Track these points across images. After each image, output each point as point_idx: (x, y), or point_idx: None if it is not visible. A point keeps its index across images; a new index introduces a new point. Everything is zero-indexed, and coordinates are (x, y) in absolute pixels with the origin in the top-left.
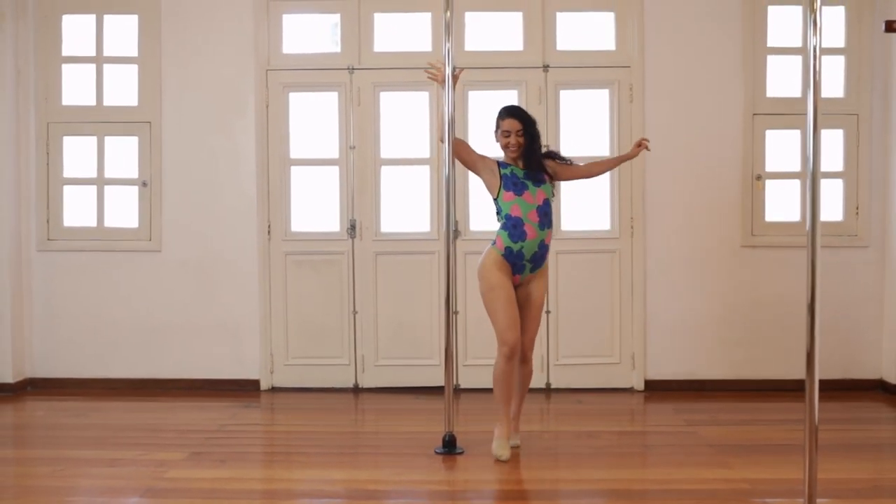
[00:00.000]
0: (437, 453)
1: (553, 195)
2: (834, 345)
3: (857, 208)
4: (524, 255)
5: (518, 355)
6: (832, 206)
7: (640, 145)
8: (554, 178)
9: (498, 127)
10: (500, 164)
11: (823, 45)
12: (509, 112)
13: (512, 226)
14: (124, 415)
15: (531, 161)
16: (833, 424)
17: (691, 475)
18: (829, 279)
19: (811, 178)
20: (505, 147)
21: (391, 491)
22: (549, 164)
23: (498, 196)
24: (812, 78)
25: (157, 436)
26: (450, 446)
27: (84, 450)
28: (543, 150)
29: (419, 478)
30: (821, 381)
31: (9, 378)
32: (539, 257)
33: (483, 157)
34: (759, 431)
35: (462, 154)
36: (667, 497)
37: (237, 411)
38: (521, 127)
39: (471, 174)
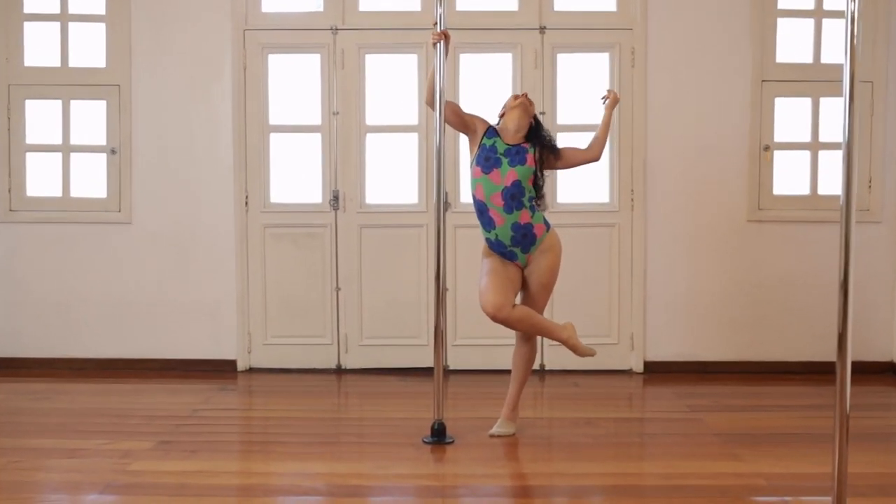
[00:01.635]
0: (425, 443)
1: (529, 180)
2: (850, 326)
3: (870, 181)
4: (504, 243)
5: (501, 321)
6: (840, 180)
7: (610, 98)
8: (548, 166)
9: (513, 98)
10: (488, 131)
11: (835, 8)
12: (527, 97)
13: (479, 212)
14: (90, 398)
15: (535, 134)
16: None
17: (699, 468)
18: (837, 256)
19: (846, 150)
20: (512, 108)
21: (375, 486)
22: (547, 156)
23: (470, 167)
24: (849, 44)
25: (123, 422)
26: (439, 435)
27: (44, 438)
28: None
29: (406, 471)
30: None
31: None
32: (522, 238)
33: (473, 117)
34: (769, 419)
35: (451, 116)
36: (673, 494)
37: (211, 395)
38: (534, 112)
39: (462, 141)
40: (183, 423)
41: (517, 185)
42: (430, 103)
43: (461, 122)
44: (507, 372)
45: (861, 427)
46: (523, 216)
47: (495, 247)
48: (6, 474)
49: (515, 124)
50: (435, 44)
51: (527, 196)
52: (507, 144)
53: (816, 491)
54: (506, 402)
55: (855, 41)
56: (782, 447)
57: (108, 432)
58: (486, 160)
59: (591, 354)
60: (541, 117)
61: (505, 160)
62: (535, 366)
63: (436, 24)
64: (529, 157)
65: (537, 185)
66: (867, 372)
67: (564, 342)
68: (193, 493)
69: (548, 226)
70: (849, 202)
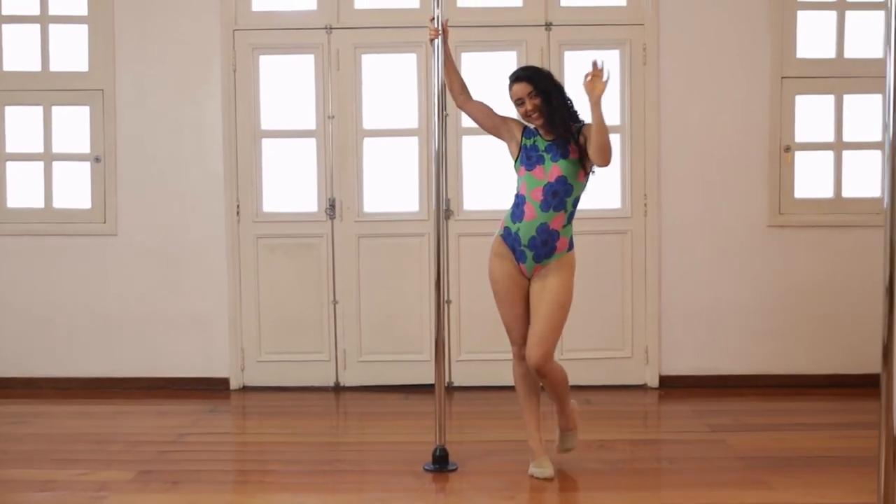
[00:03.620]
0: (426, 470)
1: (578, 175)
2: (868, 334)
3: None
4: (521, 240)
5: (543, 372)
6: (870, 181)
7: (592, 74)
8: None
9: (511, 100)
10: (525, 131)
11: (859, 0)
12: (513, 78)
13: (515, 204)
14: (71, 422)
15: (553, 123)
16: (864, 429)
17: (724, 498)
18: (864, 262)
19: (891, 148)
20: (526, 117)
21: None
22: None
23: (515, 169)
24: (892, 37)
25: (102, 449)
26: (441, 462)
27: (16, 468)
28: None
29: (405, 503)
30: (857, 376)
31: None
32: (541, 245)
33: (505, 120)
34: (797, 439)
35: (481, 119)
36: None
37: (200, 417)
38: (531, 88)
39: (465, 144)
40: (166, 449)
41: (562, 181)
42: (460, 101)
43: (493, 125)
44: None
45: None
46: (556, 221)
47: (509, 240)
48: None
49: (539, 122)
50: (432, 40)
51: (573, 197)
52: (548, 141)
53: None
54: (558, 414)
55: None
56: (815, 473)
57: (86, 461)
58: (529, 158)
59: (539, 476)
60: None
61: (547, 156)
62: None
63: (433, 19)
64: (572, 147)
65: (584, 189)
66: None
67: (569, 429)
68: None
69: (571, 245)
70: (893, 203)
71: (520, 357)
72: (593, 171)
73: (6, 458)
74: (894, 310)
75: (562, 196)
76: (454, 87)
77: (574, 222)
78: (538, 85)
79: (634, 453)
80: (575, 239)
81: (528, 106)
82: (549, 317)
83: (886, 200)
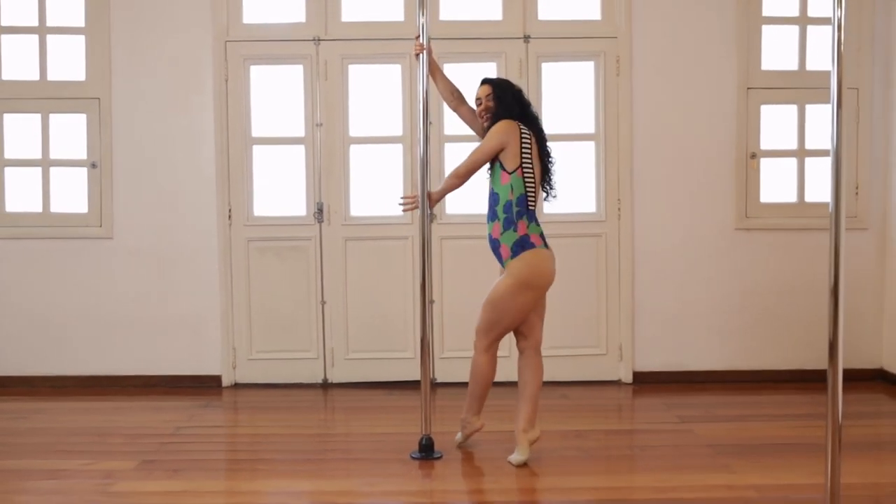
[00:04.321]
0: (412, 458)
1: (501, 179)
2: (840, 333)
3: (857, 188)
4: None
5: None
6: (829, 186)
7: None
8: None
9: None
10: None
11: (820, 15)
12: (482, 80)
13: None
14: (71, 417)
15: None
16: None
17: (691, 481)
18: (825, 264)
19: (834, 156)
20: (480, 117)
21: None
22: None
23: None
24: (836, 51)
25: (105, 441)
26: (427, 450)
27: (23, 459)
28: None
29: (394, 488)
30: (817, 371)
31: None
32: (494, 253)
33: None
34: (759, 429)
35: (470, 121)
36: None
37: (195, 412)
38: (490, 92)
39: (448, 151)
40: (166, 441)
41: (491, 191)
42: (454, 104)
43: (480, 128)
44: (495, 385)
45: (852, 436)
46: (494, 230)
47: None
48: None
49: (485, 121)
50: (417, 55)
51: (500, 205)
52: None
53: (810, 502)
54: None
55: (842, 48)
56: (774, 458)
57: (90, 452)
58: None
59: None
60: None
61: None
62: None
63: (418, 36)
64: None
65: (517, 187)
66: (856, 379)
67: (467, 433)
68: None
69: (514, 253)
70: (838, 209)
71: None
72: (524, 169)
73: (12, 450)
74: (839, 309)
75: (492, 205)
76: (445, 93)
77: (549, 225)
78: (497, 91)
79: (609, 442)
80: (551, 242)
81: (482, 106)
82: (481, 311)
83: (832, 206)
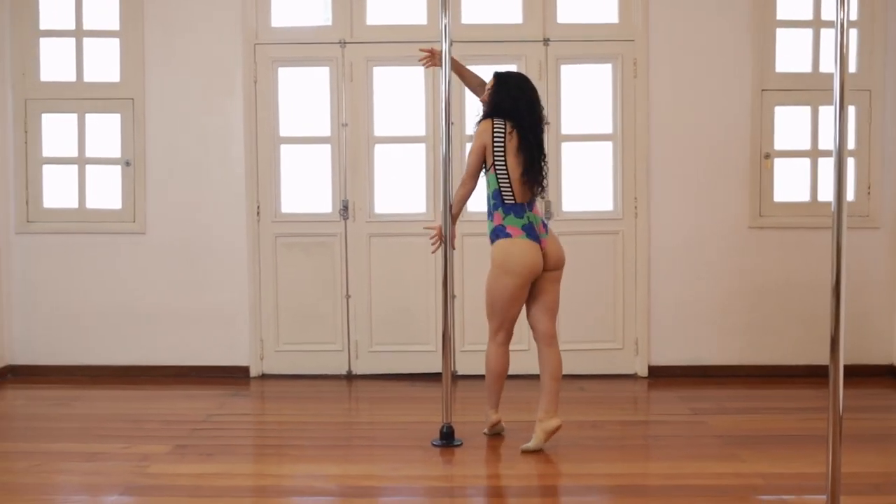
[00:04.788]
0: (434, 445)
1: (489, 169)
2: (844, 329)
3: (869, 188)
4: None
5: None
6: (832, 186)
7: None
8: None
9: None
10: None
11: (833, 19)
12: (493, 73)
13: None
14: (107, 404)
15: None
16: (845, 413)
17: (700, 469)
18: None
19: (837, 157)
20: None
21: (387, 487)
22: None
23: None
24: (839, 53)
25: (140, 427)
26: (448, 438)
27: (64, 442)
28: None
29: (416, 472)
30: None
31: None
32: None
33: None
34: (769, 421)
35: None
36: (675, 493)
37: (225, 400)
38: (491, 84)
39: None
40: (198, 427)
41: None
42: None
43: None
44: (515, 377)
45: (860, 428)
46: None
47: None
48: (28, 477)
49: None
50: (428, 62)
51: (488, 192)
52: None
53: (813, 490)
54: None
55: (845, 50)
56: (781, 448)
57: (126, 436)
58: None
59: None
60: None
61: None
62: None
63: (431, 50)
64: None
65: (491, 182)
66: (867, 375)
67: (489, 426)
68: (210, 494)
69: (492, 240)
70: (840, 209)
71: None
72: (496, 166)
73: (53, 434)
74: (840, 307)
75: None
76: (474, 87)
77: (568, 223)
78: (495, 86)
79: (624, 432)
80: (569, 239)
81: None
82: None
83: (834, 205)
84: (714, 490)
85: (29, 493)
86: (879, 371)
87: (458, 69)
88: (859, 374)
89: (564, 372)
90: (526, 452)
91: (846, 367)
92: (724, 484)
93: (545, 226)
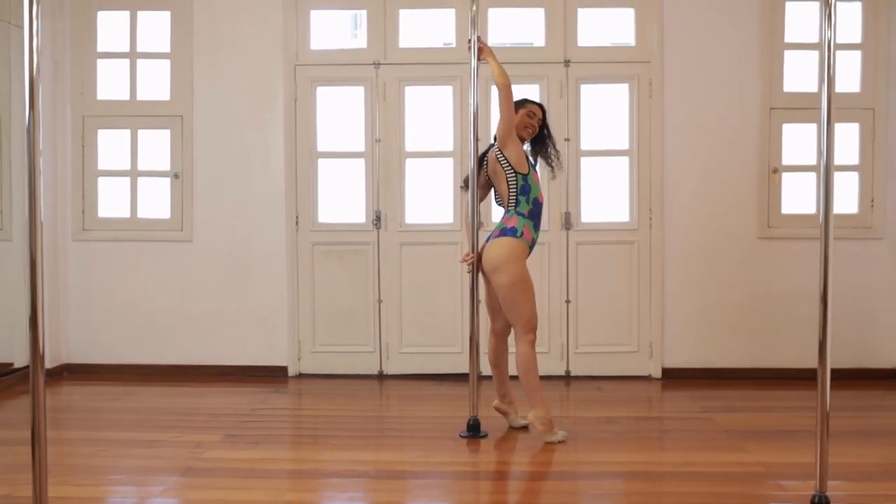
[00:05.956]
0: (461, 437)
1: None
2: (848, 334)
3: (872, 201)
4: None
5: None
6: (847, 199)
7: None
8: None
9: (524, 105)
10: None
11: (840, 41)
12: (539, 104)
13: (537, 214)
14: (158, 399)
15: (539, 147)
16: (846, 412)
17: (707, 458)
18: (843, 270)
19: (824, 171)
20: (526, 126)
21: (418, 471)
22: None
23: (528, 174)
24: (826, 72)
25: (191, 419)
26: (474, 430)
27: (122, 432)
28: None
29: (445, 459)
30: (834, 370)
31: (46, 363)
32: None
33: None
34: (773, 418)
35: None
36: (683, 478)
37: (267, 396)
38: (542, 118)
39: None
40: (244, 419)
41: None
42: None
43: (519, 124)
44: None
45: (861, 425)
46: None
47: (531, 249)
48: (95, 460)
49: (528, 135)
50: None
51: (527, 196)
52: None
53: (809, 477)
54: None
55: (832, 71)
56: (783, 441)
57: (179, 427)
58: (532, 166)
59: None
60: (563, 144)
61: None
62: (562, 371)
63: (469, 46)
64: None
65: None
66: (871, 377)
67: (535, 419)
68: (261, 475)
69: (502, 235)
70: (827, 221)
71: (533, 343)
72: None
73: (113, 425)
74: (828, 313)
75: None
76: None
77: (587, 233)
78: (543, 121)
79: (637, 426)
80: (588, 248)
81: (535, 121)
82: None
83: (821, 217)
84: (719, 476)
85: (97, 473)
86: (883, 374)
87: (488, 55)
88: (863, 378)
89: (583, 373)
90: (550, 443)
91: (850, 371)
92: (728, 471)
93: (499, 232)
